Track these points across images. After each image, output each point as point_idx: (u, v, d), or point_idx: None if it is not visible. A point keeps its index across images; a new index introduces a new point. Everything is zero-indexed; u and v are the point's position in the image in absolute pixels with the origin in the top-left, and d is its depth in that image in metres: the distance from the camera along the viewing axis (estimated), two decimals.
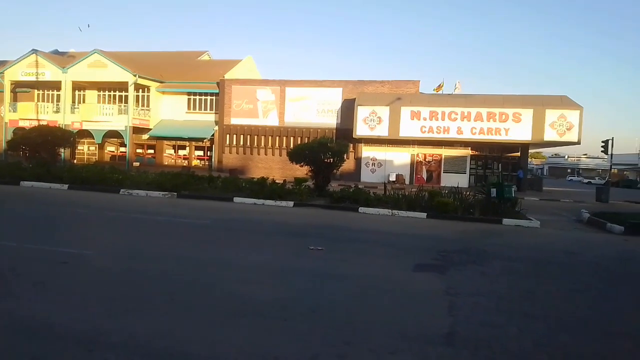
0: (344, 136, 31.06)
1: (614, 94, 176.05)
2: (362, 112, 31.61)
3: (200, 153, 37.89)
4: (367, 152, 34.04)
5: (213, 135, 36.15)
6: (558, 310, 5.53)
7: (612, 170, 40.44)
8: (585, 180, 74.47)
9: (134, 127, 35.70)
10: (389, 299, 5.67)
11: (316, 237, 9.57)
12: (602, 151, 28.68)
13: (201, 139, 36.57)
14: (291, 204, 15.36)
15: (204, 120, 36.75)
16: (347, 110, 33.16)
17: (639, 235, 12.25)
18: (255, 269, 6.86)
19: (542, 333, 4.73)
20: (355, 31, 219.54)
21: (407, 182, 32.33)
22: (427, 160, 33.84)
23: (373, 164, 34.16)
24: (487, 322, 4.94)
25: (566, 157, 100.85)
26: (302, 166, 18.22)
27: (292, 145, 28.05)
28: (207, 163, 37.33)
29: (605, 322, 5.16)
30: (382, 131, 31.49)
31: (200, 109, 37.22)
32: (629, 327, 5.06)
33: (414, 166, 33.77)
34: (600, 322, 5.17)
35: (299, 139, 33.11)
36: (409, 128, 31.10)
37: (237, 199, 15.84)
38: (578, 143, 30.11)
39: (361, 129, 31.72)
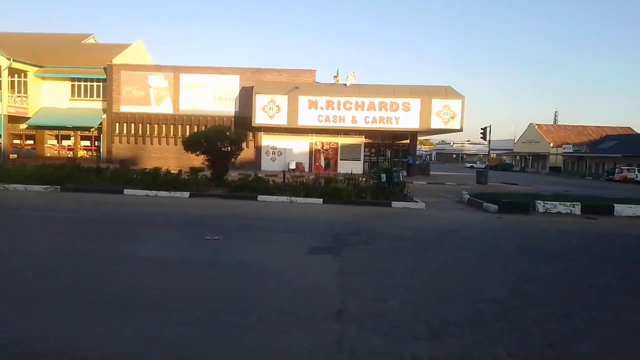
0: (242, 125, 30.81)
1: (493, 83, 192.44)
2: (260, 101, 31.53)
3: (87, 143, 35.49)
4: (267, 140, 34.09)
5: (101, 124, 34.01)
6: (436, 284, 6.08)
7: (491, 155, 44.37)
8: (468, 165, 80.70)
9: (9, 115, 32.48)
10: (283, 283, 5.85)
11: (213, 227, 9.51)
12: (481, 137, 31.37)
13: (88, 128, 34.22)
14: (187, 194, 15.01)
15: (90, 107, 34.41)
16: (246, 98, 32.89)
17: (510, 213, 13.71)
18: (148, 261, 6.70)
19: (422, 304, 5.19)
20: (252, 19, 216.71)
21: (306, 170, 32.92)
22: (325, 148, 34.68)
23: (273, 153, 34.31)
24: (374, 298, 5.31)
25: (451, 143, 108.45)
26: (198, 155, 17.85)
27: (188, 134, 27.23)
28: (95, 154, 35.09)
29: (476, 292, 5.76)
30: (281, 120, 31.70)
31: (85, 95, 34.76)
32: (497, 294, 5.71)
33: (313, 154, 34.46)
34: (472, 291, 5.77)
35: (196, 127, 32.22)
36: (307, 117, 31.63)
37: (128, 191, 15.14)
38: (460, 130, 32.60)
39: (260, 118, 31.66)
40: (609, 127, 72.51)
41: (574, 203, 14.57)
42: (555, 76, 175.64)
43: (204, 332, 4.18)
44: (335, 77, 35.80)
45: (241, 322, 4.43)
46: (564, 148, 67.36)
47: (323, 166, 33.93)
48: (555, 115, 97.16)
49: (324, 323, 4.50)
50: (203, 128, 28.92)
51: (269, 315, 4.66)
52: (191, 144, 17.66)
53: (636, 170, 44.25)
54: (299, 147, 34.37)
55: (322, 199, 14.81)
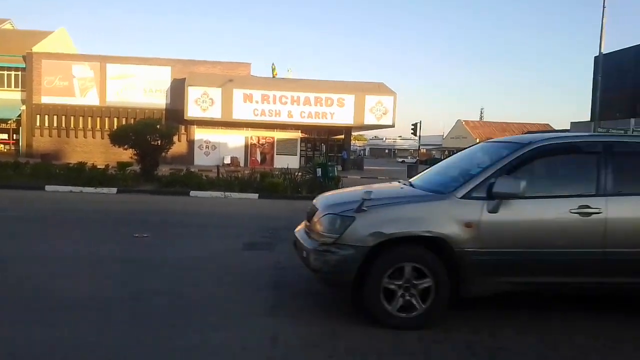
0: (174, 118, 29.94)
1: (423, 81, 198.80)
2: (193, 93, 30.73)
3: (5, 136, 33.13)
4: (200, 134, 33.31)
5: (20, 115, 31.82)
6: None
7: (421, 150, 45.86)
8: (400, 160, 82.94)
9: None
10: (216, 280, 5.74)
11: (142, 224, 9.14)
12: (412, 133, 32.35)
13: (5, 120, 31.90)
14: (114, 190, 14.35)
15: (7, 98, 32.12)
16: (177, 90, 31.94)
17: None
18: (72, 261, 6.34)
19: None
20: (185, 10, 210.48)
21: (242, 164, 32.54)
22: (260, 142, 34.41)
23: (207, 147, 33.59)
24: (309, 291, 5.33)
25: (384, 139, 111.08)
26: (126, 149, 17.09)
27: (115, 127, 26.04)
28: (13, 148, 32.79)
29: None
30: (215, 113, 31.08)
31: (2, 85, 32.40)
32: None
33: (249, 149, 34.10)
34: None
35: (124, 120, 30.92)
36: (242, 110, 31.21)
37: (49, 187, 14.25)
38: (392, 126, 33.47)
39: (193, 111, 30.86)
40: (530, 123, 77.10)
41: None
42: (481, 75, 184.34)
43: (133, 333, 4.01)
44: (272, 71, 35.58)
45: (172, 322, 4.29)
46: None
47: (259, 161, 33.67)
48: (481, 112, 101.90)
49: (258, 319, 4.46)
50: (132, 121, 27.77)
51: (200, 313, 4.55)
52: (118, 138, 16.87)
53: None
54: (234, 141, 33.88)
55: (257, 194, 14.67)
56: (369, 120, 32.33)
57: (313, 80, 33.53)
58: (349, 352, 3.79)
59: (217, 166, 22.20)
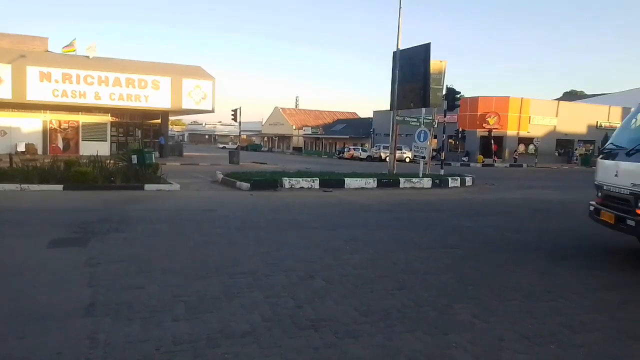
0: None
1: (242, 67, 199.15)
2: None
3: None
4: None
5: None
6: (193, 263, 6.11)
7: (242, 136, 46.15)
8: (221, 145, 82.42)
9: None
10: (18, 283, 5.10)
11: None
12: (232, 119, 32.36)
13: None
14: None
15: None
16: None
17: (261, 190, 14.65)
18: None
19: (180, 285, 5.18)
20: None
21: (40, 152, 28.81)
22: (62, 127, 30.89)
23: None
24: (129, 286, 5.07)
25: (204, 124, 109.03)
26: None
27: None
28: None
29: (232, 266, 6.03)
30: (4, 93, 26.85)
31: None
32: (251, 266, 6.08)
33: (48, 134, 30.32)
34: (228, 266, 6.01)
35: None
36: (38, 91, 27.50)
37: None
38: (212, 111, 33.02)
39: None
40: (339, 112, 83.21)
41: (313, 179, 16.41)
42: (297, 64, 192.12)
43: None
44: (67, 46, 31.48)
45: None
46: (304, 130, 74.66)
47: (61, 148, 30.22)
48: (297, 100, 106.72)
49: (72, 320, 4.11)
50: None
51: (7, 319, 4.02)
52: None
53: (360, 149, 52.09)
54: (29, 125, 29.81)
55: (62, 185, 13.23)
56: (188, 104, 31.35)
57: (124, 60, 31.09)
58: (177, 342, 3.75)
59: (10, 154, 19.30)
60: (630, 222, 6.19)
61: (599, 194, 7.23)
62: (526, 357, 3.69)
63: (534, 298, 5.10)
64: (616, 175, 6.63)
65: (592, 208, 7.29)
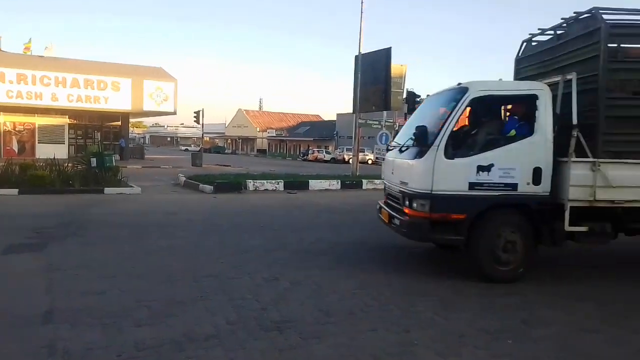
0: None
1: (205, 69, 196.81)
2: None
3: None
4: None
5: None
6: (157, 267, 6.03)
7: (205, 138, 45.64)
8: (183, 148, 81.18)
9: None
10: None
11: None
12: (195, 121, 31.94)
13: None
14: None
15: None
16: None
17: (224, 192, 14.52)
18: None
19: (144, 289, 5.10)
20: None
21: None
22: (17, 129, 29.65)
23: None
24: (90, 291, 4.96)
25: (165, 126, 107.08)
26: None
27: None
28: None
29: (197, 270, 5.97)
30: None
31: None
32: (216, 269, 6.04)
33: (2, 136, 29.07)
34: (193, 270, 5.95)
35: None
36: None
37: None
38: (174, 113, 32.48)
39: None
40: (303, 114, 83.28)
41: (278, 181, 16.39)
42: (261, 66, 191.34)
43: None
44: (25, 45, 30.54)
45: None
46: (268, 132, 74.38)
47: (16, 151, 28.99)
48: (260, 102, 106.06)
49: (30, 328, 4.00)
50: None
51: None
52: None
53: (324, 151, 52.32)
54: None
55: (17, 190, 12.76)
56: (149, 106, 30.70)
57: (82, 61, 30.21)
58: (139, 348, 3.70)
59: None
60: (396, 221, 6.04)
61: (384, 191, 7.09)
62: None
63: None
64: (392, 173, 6.56)
65: (377, 206, 7.10)
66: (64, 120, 30.54)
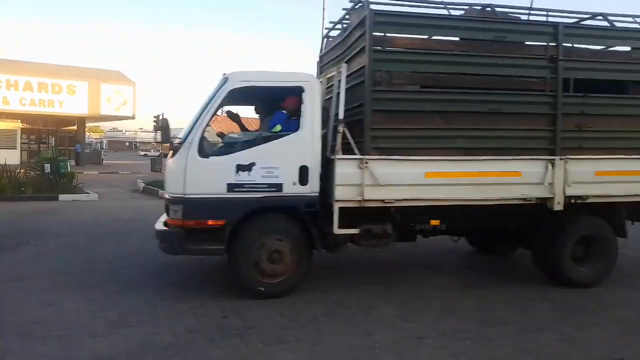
0: None
1: (166, 71, 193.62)
2: None
3: None
4: None
5: None
6: (113, 277, 5.86)
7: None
8: (142, 153, 79.27)
9: None
10: None
11: None
12: (154, 125, 31.23)
13: None
14: None
15: None
16: None
17: None
18: None
19: (99, 300, 4.95)
20: None
21: None
22: None
23: None
24: (42, 303, 4.78)
25: (124, 131, 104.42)
26: None
27: None
28: None
29: (157, 277, 5.84)
30: None
31: None
32: (177, 277, 5.93)
33: None
34: (152, 278, 5.81)
35: None
36: None
37: None
38: (133, 118, 31.73)
39: None
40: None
41: None
42: (222, 69, 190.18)
43: None
44: None
45: None
46: None
47: None
48: None
49: None
50: None
51: None
52: None
53: None
54: None
55: None
56: (106, 110, 29.82)
57: (35, 63, 29.05)
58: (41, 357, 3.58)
59: None
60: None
61: None
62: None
63: None
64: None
65: None
66: (16, 125, 29.38)
